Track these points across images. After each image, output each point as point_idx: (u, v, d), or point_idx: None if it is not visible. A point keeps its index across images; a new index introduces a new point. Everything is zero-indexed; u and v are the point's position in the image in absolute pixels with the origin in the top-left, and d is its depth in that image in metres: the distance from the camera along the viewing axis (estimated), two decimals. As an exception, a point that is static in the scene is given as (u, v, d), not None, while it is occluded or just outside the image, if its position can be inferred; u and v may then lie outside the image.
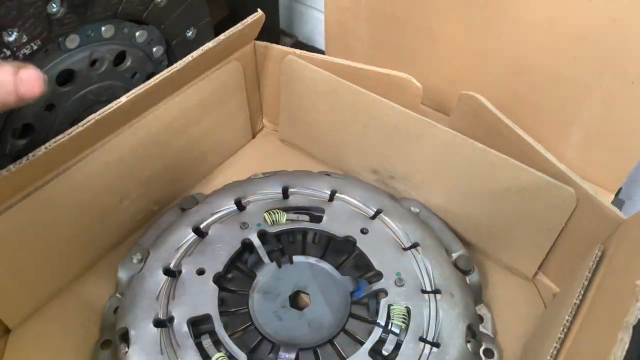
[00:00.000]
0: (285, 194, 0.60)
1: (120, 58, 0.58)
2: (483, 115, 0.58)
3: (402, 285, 0.52)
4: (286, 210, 0.58)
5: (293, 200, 0.59)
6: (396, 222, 0.57)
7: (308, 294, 0.53)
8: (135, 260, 0.55)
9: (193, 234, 0.55)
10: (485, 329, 0.55)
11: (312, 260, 0.56)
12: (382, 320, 0.50)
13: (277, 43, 0.66)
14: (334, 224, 0.57)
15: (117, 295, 0.54)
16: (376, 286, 0.52)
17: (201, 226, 0.56)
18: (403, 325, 0.49)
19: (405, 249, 0.55)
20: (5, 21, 0.43)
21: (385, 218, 0.58)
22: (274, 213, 0.57)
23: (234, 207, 0.58)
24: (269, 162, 0.69)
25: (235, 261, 0.55)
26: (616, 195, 0.65)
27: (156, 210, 0.63)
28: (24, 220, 0.48)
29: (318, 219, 0.58)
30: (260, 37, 0.65)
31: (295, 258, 0.56)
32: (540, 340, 0.48)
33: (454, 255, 0.57)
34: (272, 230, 0.56)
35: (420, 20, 0.67)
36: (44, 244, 0.51)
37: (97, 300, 0.55)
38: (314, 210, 0.59)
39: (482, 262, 0.61)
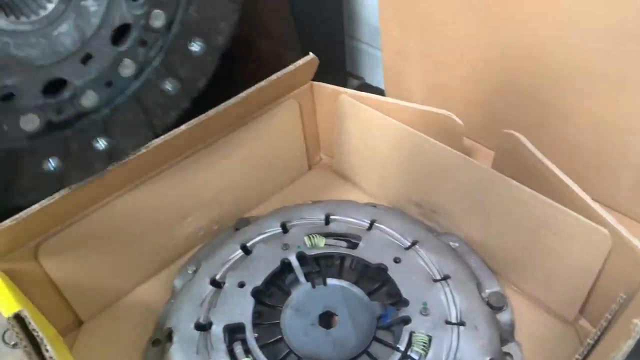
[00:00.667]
0: (327, 220, 0.64)
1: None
2: (523, 153, 0.58)
3: (427, 315, 0.54)
4: (326, 235, 0.62)
5: (333, 227, 0.63)
6: (430, 254, 0.59)
7: (337, 315, 0.57)
8: (189, 271, 0.62)
9: (240, 250, 0.61)
10: (515, 367, 0.54)
11: (345, 284, 0.59)
12: (402, 345, 0.51)
13: (345, 84, 0.72)
14: (369, 251, 0.60)
15: (172, 300, 0.61)
16: (401, 313, 0.54)
17: (248, 244, 0.62)
18: (423, 353, 0.51)
19: (435, 281, 0.57)
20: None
21: (420, 250, 0.60)
22: (314, 237, 0.61)
23: (279, 229, 0.63)
24: (320, 192, 0.74)
25: (274, 278, 0.59)
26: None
27: (216, 229, 0.70)
28: (103, 226, 0.57)
29: (354, 246, 0.61)
30: (326, 78, 0.71)
31: (329, 280, 0.59)
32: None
33: (488, 292, 0.58)
34: (311, 253, 0.60)
35: (467, 63, 0.69)
36: (116, 251, 0.60)
37: (155, 304, 0.62)
38: (351, 237, 0.62)
39: (521, 302, 0.60)
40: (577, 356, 0.42)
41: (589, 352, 0.43)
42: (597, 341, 0.43)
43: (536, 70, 0.63)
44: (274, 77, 0.62)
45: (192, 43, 0.54)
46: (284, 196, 0.75)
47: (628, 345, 0.33)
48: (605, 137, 0.60)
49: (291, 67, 0.64)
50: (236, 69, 0.79)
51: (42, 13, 0.46)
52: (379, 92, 0.92)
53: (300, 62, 0.64)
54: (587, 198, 0.52)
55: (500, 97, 0.69)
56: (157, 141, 0.55)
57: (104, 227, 0.57)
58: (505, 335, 0.55)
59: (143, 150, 0.54)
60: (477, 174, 0.59)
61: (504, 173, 0.56)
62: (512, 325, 0.57)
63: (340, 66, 0.89)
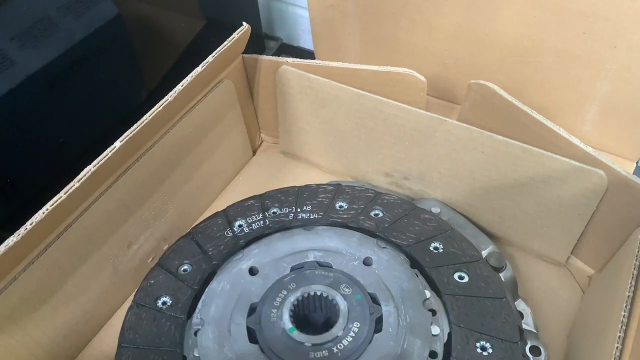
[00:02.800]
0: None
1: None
2: (496, 103, 0.55)
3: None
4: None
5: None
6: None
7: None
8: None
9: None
10: (527, 325, 0.53)
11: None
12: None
13: (262, 47, 0.63)
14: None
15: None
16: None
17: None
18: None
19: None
20: None
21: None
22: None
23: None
24: (274, 179, 0.66)
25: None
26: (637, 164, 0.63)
27: (166, 248, 0.59)
28: (34, 284, 0.45)
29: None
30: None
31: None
32: (591, 335, 0.46)
33: (484, 253, 0.55)
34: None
35: (414, 10, 0.63)
36: (57, 306, 0.48)
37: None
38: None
39: (511, 254, 0.59)
40: (622, 313, 0.40)
41: (632, 302, 0.41)
42: (635, 291, 0.42)
43: (493, 10, 0.59)
44: (210, 58, 0.52)
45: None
46: (233, 192, 0.65)
47: None
48: (570, 72, 0.58)
49: (226, 43, 0.53)
50: (140, 59, 0.66)
51: None
52: (305, 51, 0.83)
53: (236, 35, 0.54)
54: (576, 140, 0.50)
55: (455, 45, 0.64)
56: (88, 169, 0.43)
57: (36, 284, 0.44)
58: (512, 294, 0.53)
59: (70, 186, 0.42)
60: (455, 133, 0.55)
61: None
62: (515, 283, 0.55)
63: (256, 28, 0.78)
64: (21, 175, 0.57)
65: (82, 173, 0.43)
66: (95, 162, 0.44)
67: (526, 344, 0.50)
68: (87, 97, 0.61)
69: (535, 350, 0.50)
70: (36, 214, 0.40)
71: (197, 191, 0.61)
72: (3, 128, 0.53)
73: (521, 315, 0.53)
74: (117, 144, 0.45)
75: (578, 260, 0.57)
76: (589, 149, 0.49)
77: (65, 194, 0.41)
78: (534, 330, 0.52)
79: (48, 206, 0.41)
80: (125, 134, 0.45)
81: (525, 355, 0.49)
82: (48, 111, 0.57)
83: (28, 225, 0.39)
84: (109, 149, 0.44)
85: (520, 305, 0.54)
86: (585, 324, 0.50)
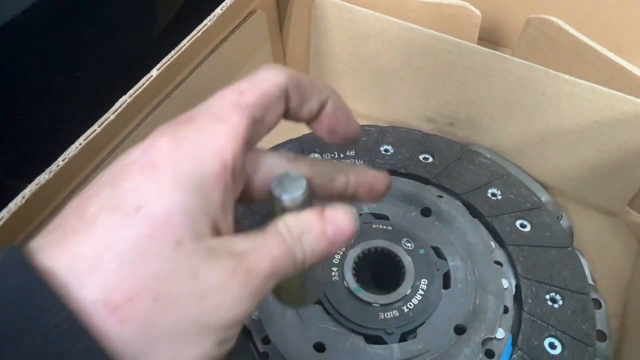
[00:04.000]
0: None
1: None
2: (560, 41, 0.50)
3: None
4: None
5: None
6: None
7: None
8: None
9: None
10: (584, 277, 0.50)
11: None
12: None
13: None
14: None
15: None
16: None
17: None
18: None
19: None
20: None
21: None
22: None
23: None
24: (302, 126, 0.61)
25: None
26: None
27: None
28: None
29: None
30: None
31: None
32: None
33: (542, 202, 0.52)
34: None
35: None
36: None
37: None
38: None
39: (562, 204, 0.56)
40: None
41: None
42: None
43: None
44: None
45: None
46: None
47: None
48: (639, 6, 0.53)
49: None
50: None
51: None
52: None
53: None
54: (650, 80, 0.46)
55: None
56: (124, 99, 0.37)
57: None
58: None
59: (106, 116, 0.37)
60: (515, 72, 0.50)
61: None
62: (572, 234, 0.52)
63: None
64: (29, 116, 0.51)
65: (117, 104, 0.37)
66: (130, 92, 0.38)
67: (586, 297, 0.47)
68: (100, 30, 0.55)
69: (595, 303, 0.48)
70: (69, 149, 0.35)
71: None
72: (6, 60, 0.46)
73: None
74: (154, 72, 0.39)
75: (633, 212, 0.54)
76: (665, 89, 0.45)
77: (99, 126, 0.36)
78: (592, 283, 0.50)
79: (81, 140, 0.35)
80: (163, 61, 0.40)
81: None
82: (58, 42, 0.50)
83: (60, 161, 0.34)
84: (145, 78, 0.39)
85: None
86: (649, 277, 0.47)
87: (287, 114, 0.26)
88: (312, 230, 0.23)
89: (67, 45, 0.51)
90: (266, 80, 0.23)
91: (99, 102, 0.39)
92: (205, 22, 0.43)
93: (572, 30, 0.49)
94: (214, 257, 0.20)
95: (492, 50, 0.50)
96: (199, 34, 0.42)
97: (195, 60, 0.46)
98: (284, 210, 0.23)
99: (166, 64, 0.40)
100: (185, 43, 0.41)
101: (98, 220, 0.19)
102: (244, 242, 0.21)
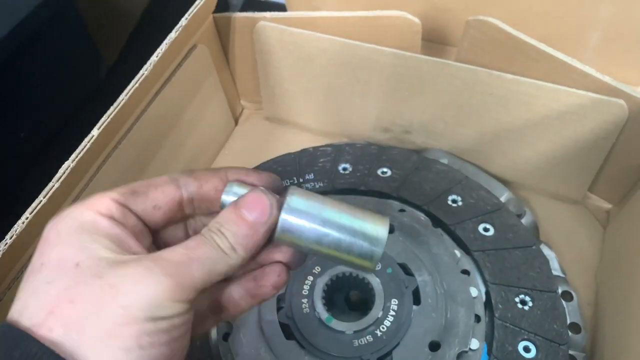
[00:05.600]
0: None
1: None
2: (500, 40, 0.50)
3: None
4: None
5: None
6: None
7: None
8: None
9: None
10: (554, 270, 0.51)
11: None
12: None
13: (224, 6, 0.56)
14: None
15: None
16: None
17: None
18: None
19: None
20: None
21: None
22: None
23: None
24: (263, 148, 0.61)
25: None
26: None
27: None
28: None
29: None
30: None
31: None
32: (627, 270, 0.44)
33: (503, 200, 0.52)
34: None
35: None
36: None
37: None
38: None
39: (525, 198, 0.56)
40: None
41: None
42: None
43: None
44: (183, 21, 0.45)
45: None
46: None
47: None
48: (573, -3, 0.54)
49: (198, 2, 0.46)
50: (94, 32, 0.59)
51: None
52: (274, 7, 0.76)
53: (207, -8, 0.47)
54: (591, 71, 0.47)
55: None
56: (67, 164, 0.37)
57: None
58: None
59: (51, 185, 0.36)
60: (459, 76, 0.50)
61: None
62: (536, 228, 0.52)
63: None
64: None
65: (61, 170, 0.36)
66: (73, 156, 0.37)
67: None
68: (42, 80, 0.54)
69: (566, 296, 0.48)
70: (16, 225, 0.34)
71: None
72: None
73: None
74: (95, 131, 0.38)
75: (594, 196, 0.55)
76: (606, 79, 0.46)
77: (45, 197, 0.35)
78: (562, 275, 0.50)
79: (27, 214, 0.34)
80: (102, 119, 0.39)
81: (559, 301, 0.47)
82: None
83: (8, 239, 0.33)
84: (86, 139, 0.38)
85: (545, 250, 0.52)
86: (616, 260, 0.48)
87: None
88: (230, 220, 0.26)
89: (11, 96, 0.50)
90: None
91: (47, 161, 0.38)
92: (142, 71, 0.42)
93: (510, 29, 0.49)
94: (119, 263, 0.23)
95: (435, 58, 0.50)
96: (137, 84, 0.41)
97: (137, 111, 0.45)
98: None
99: (106, 122, 0.39)
100: (123, 97, 0.40)
101: (25, 283, 0.24)
102: (163, 251, 0.25)
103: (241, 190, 0.27)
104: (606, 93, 0.47)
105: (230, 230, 0.25)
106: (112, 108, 0.40)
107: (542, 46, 0.48)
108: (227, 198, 0.27)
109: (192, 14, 0.46)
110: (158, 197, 0.27)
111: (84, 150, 0.38)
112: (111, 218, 0.25)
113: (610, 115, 0.47)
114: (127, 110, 0.43)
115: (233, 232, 0.25)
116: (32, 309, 0.23)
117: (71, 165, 0.37)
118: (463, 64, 0.50)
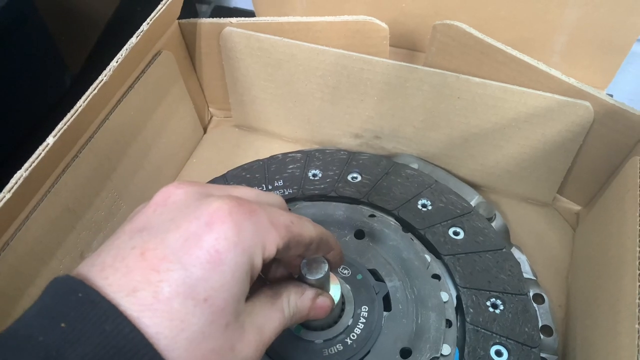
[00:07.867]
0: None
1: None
2: (467, 44, 0.50)
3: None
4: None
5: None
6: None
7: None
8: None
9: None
10: (525, 272, 0.50)
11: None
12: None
13: (192, 13, 0.55)
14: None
15: None
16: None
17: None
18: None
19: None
20: None
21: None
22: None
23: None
24: (232, 156, 0.60)
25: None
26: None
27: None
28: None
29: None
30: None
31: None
32: (597, 272, 0.44)
33: (473, 203, 0.52)
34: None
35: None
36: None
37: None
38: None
39: (495, 201, 0.56)
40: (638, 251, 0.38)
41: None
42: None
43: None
44: (144, 27, 0.44)
45: None
46: (189, 176, 0.58)
47: None
48: (537, 2, 0.54)
49: (160, 6, 0.45)
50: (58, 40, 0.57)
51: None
52: (243, 14, 0.76)
53: (170, -4, 0.46)
54: (557, 73, 0.47)
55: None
56: (19, 174, 0.35)
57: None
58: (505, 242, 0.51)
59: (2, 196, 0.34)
60: (427, 81, 0.50)
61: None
62: (507, 231, 0.52)
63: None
64: None
65: (12, 180, 0.35)
66: (26, 165, 0.36)
67: (528, 292, 0.48)
68: (1, 90, 0.52)
69: (538, 299, 0.48)
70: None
71: (149, 181, 0.54)
72: None
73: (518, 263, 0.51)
74: (50, 139, 0.37)
75: (563, 198, 0.56)
76: (572, 81, 0.46)
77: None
78: (533, 277, 0.50)
79: (-24, 227, 0.33)
80: (59, 126, 0.38)
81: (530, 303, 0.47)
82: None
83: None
84: (40, 148, 0.37)
85: (516, 253, 0.52)
86: (586, 261, 0.48)
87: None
88: (303, 312, 0.32)
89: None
90: (306, 229, 0.30)
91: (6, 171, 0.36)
92: (101, 77, 0.41)
93: (476, 33, 0.49)
94: (244, 332, 0.27)
95: (402, 63, 0.50)
96: (95, 91, 0.40)
97: (98, 119, 0.44)
98: (308, 283, 0.33)
99: (63, 129, 0.38)
100: (81, 104, 0.39)
101: (174, 304, 0.24)
102: (260, 315, 0.29)
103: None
104: (572, 95, 0.47)
105: (298, 319, 0.32)
106: (69, 115, 0.38)
107: (509, 50, 0.48)
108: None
109: (153, 19, 0.45)
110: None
111: (39, 159, 0.36)
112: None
113: (577, 117, 0.47)
114: (86, 118, 0.42)
115: (298, 319, 0.32)
116: (173, 354, 0.24)
117: (24, 175, 0.35)
118: (431, 68, 0.50)
